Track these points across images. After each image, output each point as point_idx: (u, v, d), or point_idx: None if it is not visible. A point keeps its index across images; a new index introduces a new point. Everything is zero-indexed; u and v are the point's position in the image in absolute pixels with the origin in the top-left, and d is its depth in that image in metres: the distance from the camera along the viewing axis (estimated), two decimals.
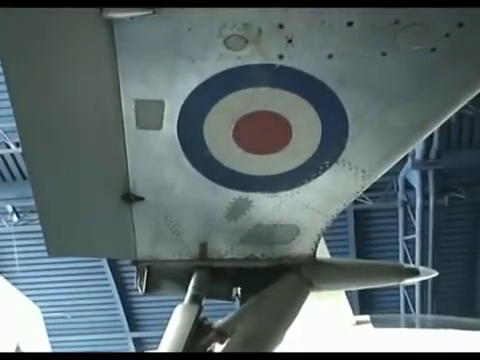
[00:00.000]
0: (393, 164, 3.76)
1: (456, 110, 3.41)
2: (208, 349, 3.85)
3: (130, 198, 3.82)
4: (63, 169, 3.76)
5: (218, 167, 3.66)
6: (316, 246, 4.14)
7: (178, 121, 3.42)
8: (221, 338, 3.89)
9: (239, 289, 4.28)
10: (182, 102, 3.33)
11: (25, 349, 13.55)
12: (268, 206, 3.89)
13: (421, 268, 4.50)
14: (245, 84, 3.25)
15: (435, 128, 3.61)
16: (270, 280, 4.15)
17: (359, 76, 3.20)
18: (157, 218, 3.96)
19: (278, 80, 3.21)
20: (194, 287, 4.11)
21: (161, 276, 4.28)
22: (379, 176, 3.82)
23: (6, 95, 3.32)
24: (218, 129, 3.49)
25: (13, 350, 12.53)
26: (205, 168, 3.69)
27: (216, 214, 3.93)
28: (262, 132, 3.50)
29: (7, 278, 14.37)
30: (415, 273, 4.42)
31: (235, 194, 3.82)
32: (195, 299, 4.05)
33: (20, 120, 3.45)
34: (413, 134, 3.54)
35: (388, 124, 3.46)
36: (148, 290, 4.29)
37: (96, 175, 3.80)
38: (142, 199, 3.84)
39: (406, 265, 4.56)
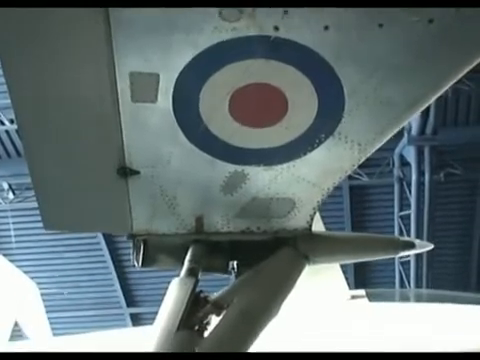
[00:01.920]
0: (389, 137, 3.76)
1: (452, 83, 3.40)
2: (205, 321, 3.87)
3: (126, 172, 3.81)
4: (58, 144, 3.75)
5: (214, 140, 3.65)
6: (312, 219, 4.15)
7: (173, 94, 3.41)
8: (217, 310, 3.90)
9: (235, 262, 4.29)
10: (177, 75, 3.31)
11: (23, 325, 13.63)
12: (264, 179, 3.89)
13: (417, 241, 4.51)
14: (240, 56, 3.23)
15: (431, 101, 3.61)
16: (266, 253, 4.17)
17: (356, 48, 3.18)
18: (153, 192, 3.96)
19: (274, 52, 3.19)
20: (190, 260, 4.12)
21: (157, 250, 4.29)
22: (375, 149, 3.82)
23: None
24: (213, 102, 3.47)
25: (11, 326, 12.61)
26: (201, 142, 3.68)
27: (212, 188, 3.93)
28: (258, 105, 3.49)
29: (4, 255, 14.40)
30: (411, 246, 4.43)
31: (231, 168, 3.82)
32: (191, 272, 4.06)
33: (15, 96, 3.43)
34: (409, 107, 3.54)
35: (384, 97, 3.45)
36: (144, 264, 4.31)
37: (91, 149, 3.79)
38: (138, 173, 3.83)
39: (402, 238, 4.58)
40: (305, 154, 3.74)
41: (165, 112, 3.49)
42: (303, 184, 3.91)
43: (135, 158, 3.77)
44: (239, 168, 3.82)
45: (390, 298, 10.42)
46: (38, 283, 14.49)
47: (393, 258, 17.44)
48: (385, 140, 3.76)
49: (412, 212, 16.52)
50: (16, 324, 13.05)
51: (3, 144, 16.29)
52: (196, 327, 3.83)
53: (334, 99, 3.45)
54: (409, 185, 16.47)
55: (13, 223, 17.05)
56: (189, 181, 3.92)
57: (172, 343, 3.73)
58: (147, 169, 3.84)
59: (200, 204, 4.04)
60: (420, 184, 16.12)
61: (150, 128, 3.60)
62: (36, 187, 4.01)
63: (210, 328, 3.89)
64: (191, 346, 3.74)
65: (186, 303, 3.83)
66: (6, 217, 17.10)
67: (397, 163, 16.41)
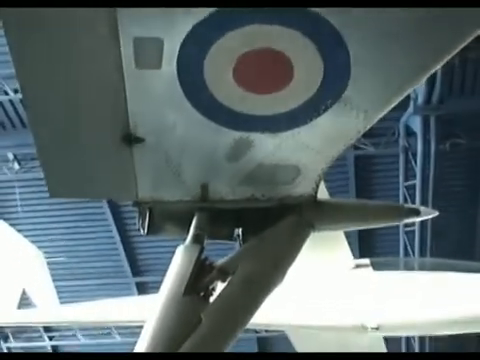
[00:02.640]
0: (394, 104, 3.74)
1: (458, 51, 3.37)
2: (210, 287, 3.90)
3: (130, 139, 3.80)
4: (63, 112, 3.74)
5: (219, 107, 3.63)
6: (317, 186, 4.15)
7: (178, 60, 3.38)
8: (223, 277, 3.93)
9: (240, 230, 4.30)
10: (181, 41, 3.28)
11: (31, 294, 13.80)
12: (269, 146, 3.88)
13: (422, 208, 4.52)
14: (245, 21, 3.20)
15: (437, 68, 3.57)
16: (271, 221, 4.18)
17: (363, 14, 3.14)
18: (158, 159, 3.96)
19: (279, 17, 3.16)
20: (195, 228, 4.13)
21: (163, 218, 4.31)
22: (380, 117, 3.80)
23: (3, 41, 3.27)
24: (218, 68, 3.45)
25: (19, 295, 12.77)
26: (206, 109, 3.66)
27: (217, 155, 3.92)
28: (263, 71, 3.46)
29: (11, 225, 14.50)
30: (416, 213, 4.44)
31: (236, 134, 3.81)
32: (197, 239, 4.08)
33: (19, 65, 3.41)
34: (415, 74, 3.51)
35: (390, 63, 3.42)
36: (150, 232, 4.32)
37: (96, 116, 3.77)
38: (142, 140, 3.82)
39: (407, 205, 4.58)
40: (310, 121, 3.72)
41: (170, 79, 3.47)
42: (308, 151, 3.90)
43: (140, 125, 3.76)
44: (244, 135, 3.81)
45: (395, 267, 10.47)
46: (45, 252, 14.62)
47: (397, 228, 17.49)
48: (391, 107, 3.74)
49: (417, 182, 16.50)
50: (24, 292, 13.21)
51: (7, 114, 16.27)
52: (201, 293, 3.86)
53: (340, 65, 3.42)
54: (414, 155, 16.41)
55: (19, 193, 17.12)
56: (194, 148, 3.91)
57: (178, 308, 3.77)
58: (152, 136, 3.83)
59: (205, 171, 4.04)
60: (426, 154, 16.07)
61: (155, 95, 3.58)
62: (41, 155, 4.00)
63: (215, 294, 3.93)
64: (196, 312, 3.77)
65: (192, 269, 3.86)
66: (12, 187, 17.16)
67: (402, 133, 16.33)
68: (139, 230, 4.37)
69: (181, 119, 3.72)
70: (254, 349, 20.67)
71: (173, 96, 3.58)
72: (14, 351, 21.07)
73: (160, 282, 4.02)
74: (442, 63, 3.47)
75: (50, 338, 20.75)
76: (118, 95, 3.57)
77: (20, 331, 20.40)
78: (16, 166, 16.81)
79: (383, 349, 10.83)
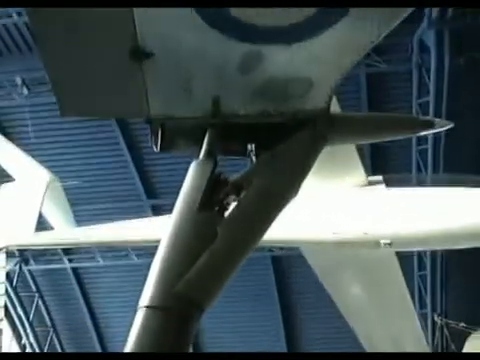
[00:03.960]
0: (408, 13, 3.63)
1: None
2: (225, 202, 3.92)
3: (139, 54, 3.74)
4: (70, 29, 3.67)
5: (228, 19, 3.54)
6: (330, 100, 4.09)
7: None
8: (237, 191, 3.94)
9: (253, 145, 4.28)
10: None
11: (48, 217, 14.03)
12: (280, 58, 3.80)
13: (436, 120, 4.45)
14: None
15: None
16: (284, 136, 4.14)
17: None
18: (168, 74, 3.90)
19: None
20: (208, 143, 4.11)
21: (175, 134, 4.28)
22: (394, 25, 3.70)
23: None
24: None
25: (36, 218, 12.96)
26: (215, 20, 3.58)
27: (228, 68, 3.85)
28: None
29: (24, 151, 14.56)
30: (430, 125, 4.38)
31: (246, 47, 3.72)
32: (210, 155, 4.07)
33: None
34: None
35: None
36: (163, 148, 4.30)
37: (104, 31, 3.70)
38: (152, 55, 3.76)
39: (421, 117, 4.51)
40: (322, 32, 3.63)
41: None
42: (321, 62, 3.83)
43: (149, 39, 3.69)
44: (255, 47, 3.73)
45: (407, 183, 10.49)
46: (60, 178, 14.73)
47: (410, 145, 17.42)
48: (404, 16, 3.64)
49: (431, 98, 16.31)
50: (41, 216, 13.43)
51: (12, 38, 16.07)
52: (216, 208, 3.88)
53: None
54: (428, 71, 16.15)
55: (30, 119, 17.12)
56: (205, 62, 3.84)
57: (193, 223, 3.80)
58: (161, 51, 3.76)
59: (216, 86, 3.98)
60: (439, 70, 15.80)
61: (163, 7, 3.49)
62: (50, 73, 3.95)
63: (230, 209, 3.95)
64: (212, 226, 3.80)
65: (206, 184, 3.87)
66: (23, 112, 17.16)
67: (416, 49, 16.01)
68: (152, 147, 4.36)
69: (191, 32, 3.64)
70: (269, 269, 21.02)
71: (182, 8, 3.49)
72: (35, 273, 21.59)
73: (174, 204, 4.01)
74: None
75: (70, 260, 21.20)
76: (125, 9, 3.49)
77: (40, 254, 20.86)
78: (25, 91, 16.73)
79: (396, 264, 10.97)
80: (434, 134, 15.72)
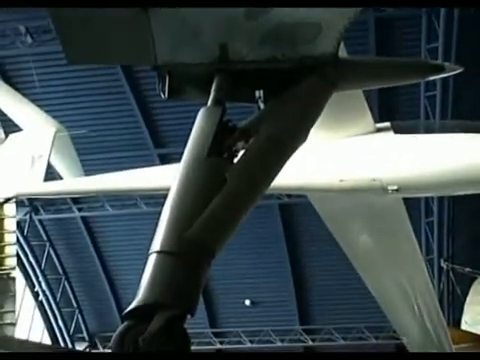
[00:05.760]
0: None
1: None
2: (233, 148, 3.92)
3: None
4: None
5: None
6: (338, 45, 4.05)
7: None
8: (245, 137, 3.94)
9: (261, 91, 4.25)
10: None
11: (57, 167, 14.06)
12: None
13: (446, 64, 4.39)
14: None
15: None
16: (292, 81, 4.11)
17: None
18: (175, 20, 3.86)
19: None
20: (216, 90, 4.09)
21: (183, 81, 4.25)
22: None
23: None
24: None
25: (45, 168, 12.98)
26: None
27: (235, 13, 3.80)
28: None
29: (30, 100, 14.47)
30: (440, 69, 4.33)
31: None
32: (218, 101, 4.05)
33: None
34: None
35: None
36: (170, 95, 4.28)
37: None
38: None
39: (431, 61, 4.46)
40: None
41: None
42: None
43: None
44: None
45: (415, 130, 10.41)
46: (66, 128, 14.69)
47: (418, 92, 17.24)
48: None
49: (440, 45, 16.06)
50: (50, 166, 13.46)
51: None
52: (225, 154, 3.89)
53: None
54: (437, 16, 15.86)
55: (35, 68, 16.97)
56: (211, 8, 3.79)
57: (202, 169, 3.81)
58: None
59: (224, 31, 3.94)
60: (449, 15, 15.52)
61: None
62: (56, 21, 3.92)
63: (239, 155, 3.95)
64: (220, 172, 3.81)
65: (214, 131, 3.87)
66: (27, 62, 16.99)
67: None
68: (159, 96, 4.34)
69: None
70: (277, 217, 21.11)
71: None
72: (45, 222, 21.78)
73: (182, 153, 4.01)
74: None
75: (79, 209, 21.35)
76: None
77: (50, 203, 21.00)
78: (29, 39, 16.53)
79: (403, 211, 10.99)
80: (442, 80, 15.55)
